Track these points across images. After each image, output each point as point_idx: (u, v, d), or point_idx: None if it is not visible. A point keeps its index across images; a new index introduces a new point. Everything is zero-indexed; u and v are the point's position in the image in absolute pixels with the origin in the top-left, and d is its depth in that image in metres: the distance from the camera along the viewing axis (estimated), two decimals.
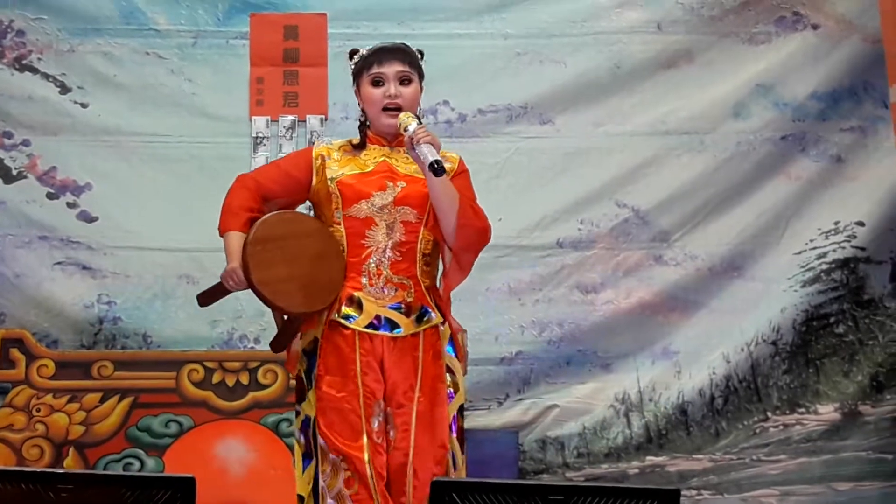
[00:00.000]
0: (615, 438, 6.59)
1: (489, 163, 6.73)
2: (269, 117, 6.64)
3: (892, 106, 6.43)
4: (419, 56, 4.38)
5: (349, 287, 4.22)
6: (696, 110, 6.77)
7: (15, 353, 5.93)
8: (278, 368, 6.12)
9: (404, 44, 4.41)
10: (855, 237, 6.74)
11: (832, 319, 6.71)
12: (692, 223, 6.72)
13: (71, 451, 5.83)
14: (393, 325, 4.21)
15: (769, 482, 6.53)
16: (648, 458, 6.57)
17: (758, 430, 6.61)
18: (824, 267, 6.72)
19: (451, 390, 4.26)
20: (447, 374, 4.25)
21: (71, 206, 6.53)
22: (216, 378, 6.13)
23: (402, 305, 4.22)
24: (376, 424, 4.17)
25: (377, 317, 4.20)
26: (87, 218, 6.53)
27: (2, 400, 6.00)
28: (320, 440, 4.18)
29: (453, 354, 4.30)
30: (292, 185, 4.31)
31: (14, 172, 6.54)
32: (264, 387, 6.15)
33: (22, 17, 6.59)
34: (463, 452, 4.28)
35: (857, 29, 6.84)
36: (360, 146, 4.35)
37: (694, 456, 6.58)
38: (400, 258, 4.23)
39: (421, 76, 4.37)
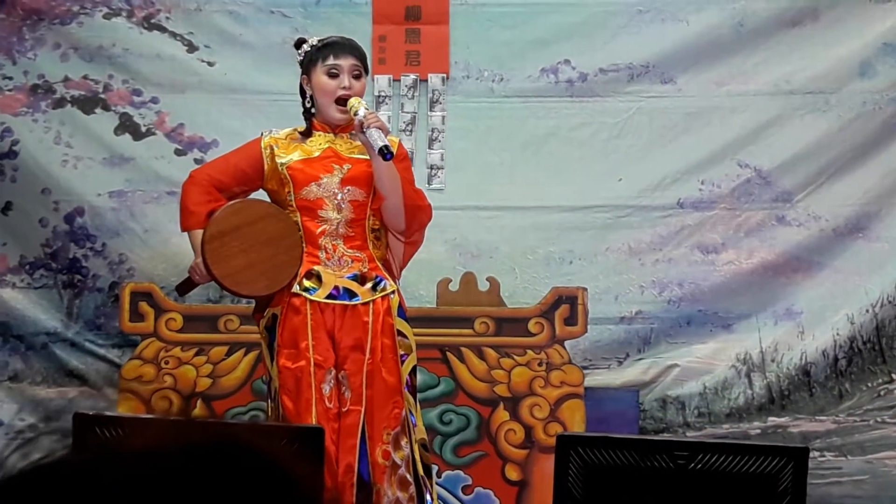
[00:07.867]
0: (736, 399, 6.55)
1: (609, 122, 6.70)
2: (391, 76, 6.64)
3: None
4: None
5: (308, 262, 4.58)
6: (820, 69, 6.65)
7: (144, 306, 6.01)
8: None
9: (353, 40, 4.76)
10: None
11: None
12: (816, 183, 6.62)
13: (199, 402, 5.92)
14: (351, 294, 4.56)
15: (893, 444, 6.45)
16: (770, 418, 6.52)
17: (882, 392, 6.53)
18: None
19: (404, 352, 4.58)
20: (399, 338, 4.59)
21: (198, 162, 6.57)
22: None
23: (359, 274, 4.57)
24: (327, 390, 4.50)
25: (336, 287, 4.55)
26: None
27: (131, 352, 6.11)
28: (281, 408, 4.54)
29: (404, 320, 4.64)
30: (243, 177, 4.68)
31: (143, 129, 6.64)
32: None
33: None
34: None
35: None
36: (306, 133, 4.68)
37: (817, 417, 6.51)
38: (352, 234, 4.59)
39: (367, 72, 4.72)
